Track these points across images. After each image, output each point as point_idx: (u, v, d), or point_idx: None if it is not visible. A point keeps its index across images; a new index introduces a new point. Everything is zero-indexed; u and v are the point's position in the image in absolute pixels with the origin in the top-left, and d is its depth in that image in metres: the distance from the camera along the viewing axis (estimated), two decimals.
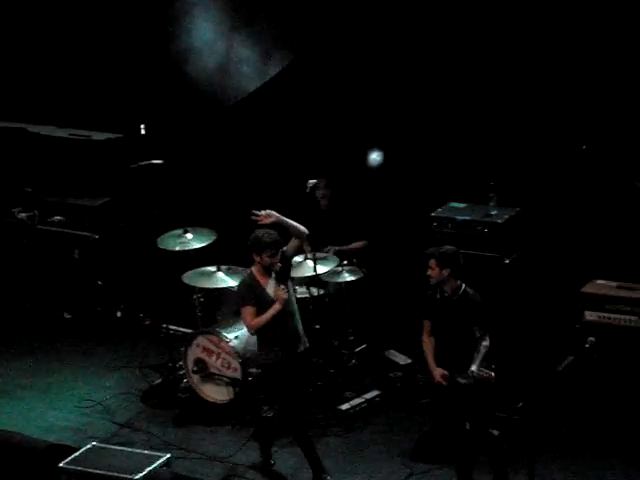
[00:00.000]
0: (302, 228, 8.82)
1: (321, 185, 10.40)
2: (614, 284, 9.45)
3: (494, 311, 9.06)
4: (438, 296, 8.48)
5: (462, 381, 8.21)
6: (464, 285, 8.48)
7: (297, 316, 8.78)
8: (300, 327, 8.79)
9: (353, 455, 9.23)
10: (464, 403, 8.45)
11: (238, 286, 9.05)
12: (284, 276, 8.77)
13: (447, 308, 8.44)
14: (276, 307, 8.61)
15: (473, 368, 8.34)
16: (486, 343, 8.41)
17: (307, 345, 8.85)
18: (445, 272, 8.36)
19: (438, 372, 8.44)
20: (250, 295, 8.72)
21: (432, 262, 8.42)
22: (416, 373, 10.13)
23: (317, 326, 9.98)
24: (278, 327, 8.67)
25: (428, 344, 8.57)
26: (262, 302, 8.66)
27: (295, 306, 8.76)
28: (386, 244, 10.72)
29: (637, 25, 9.44)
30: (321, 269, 9.88)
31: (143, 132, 11.40)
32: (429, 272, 8.43)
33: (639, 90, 9.56)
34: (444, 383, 8.44)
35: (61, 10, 12.02)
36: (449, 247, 8.56)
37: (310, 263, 9.88)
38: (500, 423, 9.23)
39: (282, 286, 8.67)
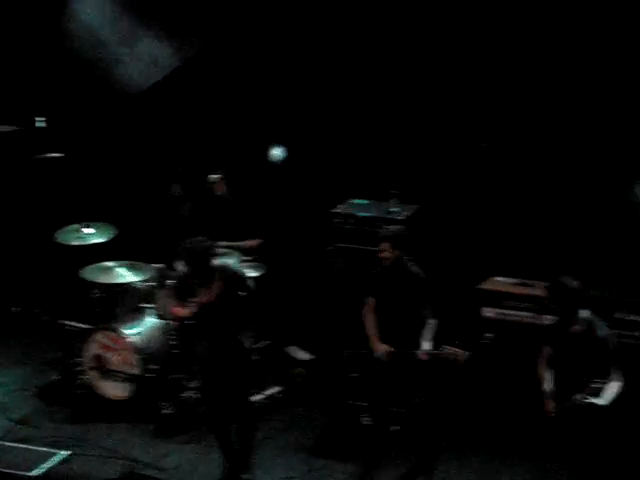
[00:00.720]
0: None
1: (220, 180, 10.35)
2: (511, 281, 9.60)
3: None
4: (385, 275, 8.60)
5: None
6: (411, 264, 8.64)
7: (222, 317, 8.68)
8: (225, 327, 8.67)
9: (254, 451, 9.21)
10: (416, 379, 8.58)
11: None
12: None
13: (396, 287, 8.56)
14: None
15: (427, 346, 8.44)
16: (434, 320, 8.59)
17: (237, 345, 8.71)
18: (398, 252, 8.51)
19: (383, 348, 8.54)
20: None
21: (386, 245, 8.54)
22: (317, 369, 10.20)
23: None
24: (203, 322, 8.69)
25: (371, 320, 8.68)
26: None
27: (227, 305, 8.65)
28: (287, 240, 10.73)
29: (532, 26, 9.61)
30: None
31: (42, 125, 11.23)
32: (383, 254, 8.54)
33: (535, 88, 9.72)
34: (387, 359, 8.54)
35: None
36: (396, 227, 8.69)
37: None
38: (399, 419, 9.32)
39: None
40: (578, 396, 7.69)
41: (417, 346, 8.53)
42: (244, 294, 8.54)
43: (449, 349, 8.33)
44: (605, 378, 7.72)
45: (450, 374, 8.30)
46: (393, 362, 8.59)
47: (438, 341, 8.54)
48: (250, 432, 8.75)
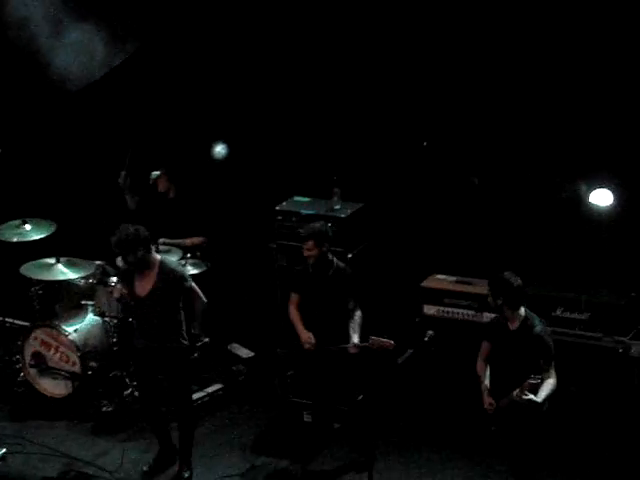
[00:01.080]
0: None
1: (163, 177, 10.29)
2: (453, 279, 9.66)
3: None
4: (311, 270, 8.73)
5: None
6: (336, 259, 8.79)
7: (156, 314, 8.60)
8: (158, 323, 8.62)
9: (195, 448, 9.15)
10: (351, 374, 8.74)
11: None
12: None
13: (321, 283, 8.71)
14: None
15: (355, 340, 8.54)
16: (359, 313, 8.70)
17: (171, 343, 8.62)
18: (323, 249, 8.66)
19: (306, 335, 8.65)
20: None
21: (310, 243, 8.68)
22: (259, 366, 10.19)
23: (155, 320, 9.87)
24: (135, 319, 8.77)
25: (296, 314, 8.82)
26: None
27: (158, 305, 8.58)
28: (229, 237, 10.70)
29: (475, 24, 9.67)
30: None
31: None
32: (308, 253, 8.69)
33: (480, 86, 9.77)
34: (312, 348, 8.64)
35: None
36: (318, 225, 8.80)
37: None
38: (341, 416, 9.34)
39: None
40: (516, 392, 7.75)
41: (346, 340, 8.58)
42: (182, 292, 8.48)
43: (376, 339, 8.39)
44: (541, 375, 7.79)
45: (386, 368, 8.33)
46: (324, 358, 8.63)
47: (365, 334, 8.60)
48: (188, 431, 8.72)
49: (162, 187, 10.35)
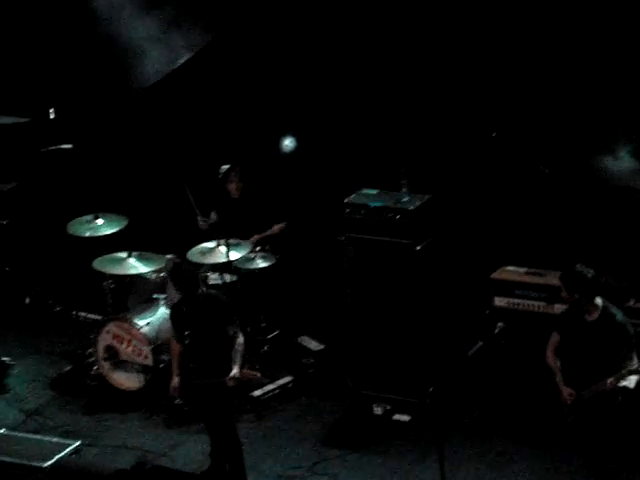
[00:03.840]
0: None
1: (234, 173, 10.34)
2: (523, 270, 9.57)
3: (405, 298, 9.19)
4: (184, 307, 8.53)
5: None
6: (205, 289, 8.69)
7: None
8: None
9: (265, 441, 9.24)
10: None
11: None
12: None
13: (195, 312, 8.48)
14: None
15: (235, 371, 8.31)
16: (240, 340, 8.43)
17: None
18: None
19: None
20: None
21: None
22: (328, 359, 10.22)
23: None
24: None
25: (174, 349, 8.71)
26: None
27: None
28: (299, 230, 10.73)
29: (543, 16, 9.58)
30: (234, 255, 9.86)
31: (52, 116, 11.23)
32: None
33: (546, 78, 9.68)
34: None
35: None
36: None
37: (223, 249, 9.85)
38: (411, 408, 9.34)
39: None
40: (610, 380, 7.69)
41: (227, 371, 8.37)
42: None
43: (247, 372, 8.39)
44: (627, 364, 7.72)
45: (457, 360, 8.25)
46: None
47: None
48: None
49: (232, 184, 10.37)
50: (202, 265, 10.08)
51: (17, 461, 8.34)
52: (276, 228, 10.40)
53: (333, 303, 10.21)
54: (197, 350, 8.49)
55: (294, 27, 10.56)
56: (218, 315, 8.45)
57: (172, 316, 8.68)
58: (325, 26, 10.44)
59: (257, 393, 9.80)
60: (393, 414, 9.47)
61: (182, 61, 11.04)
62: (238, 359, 8.36)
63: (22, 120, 11.64)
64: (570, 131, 9.70)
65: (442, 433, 8.11)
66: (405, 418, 9.43)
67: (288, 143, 10.84)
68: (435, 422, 8.54)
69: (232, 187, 10.39)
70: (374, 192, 9.81)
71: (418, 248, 9.39)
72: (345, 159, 10.61)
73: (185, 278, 8.49)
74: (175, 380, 8.60)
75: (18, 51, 11.65)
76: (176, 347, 8.65)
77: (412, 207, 9.51)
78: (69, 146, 10.42)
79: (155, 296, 10.16)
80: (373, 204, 9.58)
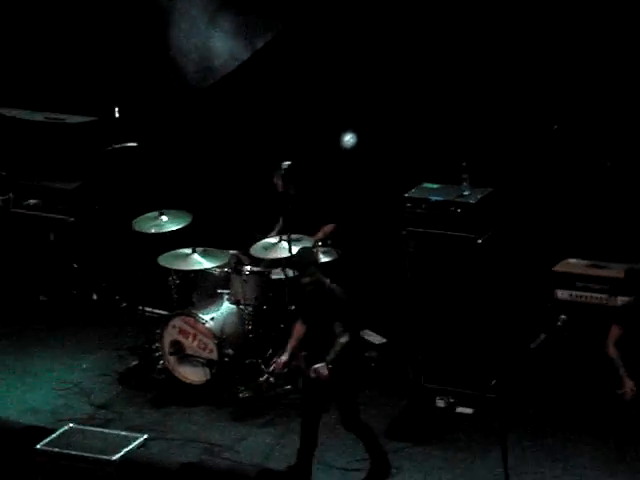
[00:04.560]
0: None
1: (290, 171, 10.37)
2: (585, 263, 9.53)
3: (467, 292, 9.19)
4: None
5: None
6: (328, 281, 8.64)
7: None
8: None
9: (328, 434, 9.28)
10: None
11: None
12: None
13: (311, 302, 8.58)
14: None
15: (320, 364, 8.36)
16: (342, 340, 8.41)
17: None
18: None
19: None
20: None
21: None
22: (392, 352, 10.25)
23: (293, 307, 10.05)
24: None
25: (297, 330, 8.76)
26: None
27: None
28: (360, 225, 10.77)
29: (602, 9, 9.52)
30: (296, 250, 9.92)
31: (117, 115, 11.39)
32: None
33: (608, 71, 9.62)
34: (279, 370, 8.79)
35: None
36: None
37: (285, 244, 9.93)
38: (474, 401, 9.35)
39: None
40: None
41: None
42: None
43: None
44: None
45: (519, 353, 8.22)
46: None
47: None
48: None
49: (279, 187, 10.40)
50: (264, 260, 10.18)
51: (85, 454, 8.45)
52: (326, 229, 10.40)
53: (395, 297, 10.24)
54: (307, 338, 8.62)
55: (354, 22, 10.60)
56: (331, 308, 8.52)
57: (299, 298, 8.77)
58: (385, 21, 10.46)
59: None
60: (456, 407, 9.49)
61: (243, 59, 11.13)
62: (332, 354, 8.38)
63: (88, 119, 11.83)
64: (633, 124, 9.64)
65: (505, 426, 8.12)
66: (468, 411, 9.45)
67: (349, 138, 10.89)
68: (498, 415, 8.55)
69: (280, 189, 10.43)
70: (435, 186, 9.82)
71: (480, 241, 9.39)
72: (407, 153, 10.63)
73: (306, 264, 8.58)
74: (284, 357, 8.68)
75: (84, 51, 11.83)
76: (300, 329, 8.72)
77: (473, 200, 9.51)
78: (134, 144, 10.55)
79: (219, 291, 10.27)
80: (434, 198, 9.60)
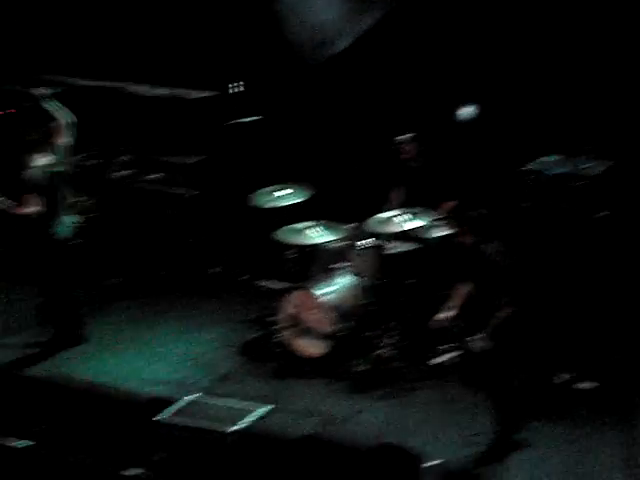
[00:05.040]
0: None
1: (410, 142, 10.37)
2: None
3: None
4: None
5: None
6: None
7: None
8: None
9: (448, 408, 9.29)
10: None
11: None
12: None
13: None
14: None
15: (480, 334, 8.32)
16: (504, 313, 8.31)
17: None
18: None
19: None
20: None
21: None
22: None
23: (412, 281, 10.04)
24: None
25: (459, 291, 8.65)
26: None
27: None
28: (479, 199, 10.67)
29: None
30: (414, 224, 9.91)
31: (240, 89, 11.49)
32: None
33: None
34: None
35: None
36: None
37: (403, 218, 9.92)
38: (595, 375, 9.21)
39: None
40: None
41: None
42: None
43: None
44: None
45: None
46: None
47: None
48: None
49: (409, 154, 10.42)
50: (383, 234, 10.19)
51: (207, 425, 8.58)
52: (446, 206, 10.35)
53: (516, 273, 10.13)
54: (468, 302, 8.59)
55: None
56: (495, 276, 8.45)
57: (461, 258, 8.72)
58: None
59: (439, 360, 9.86)
60: (577, 382, 9.38)
61: (362, 32, 11.11)
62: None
63: (212, 94, 11.96)
64: None
65: (627, 401, 7.98)
66: (589, 386, 9.33)
67: (467, 111, 10.80)
68: (620, 390, 8.41)
69: (409, 156, 10.42)
70: (555, 158, 9.69)
71: (601, 214, 9.24)
72: (526, 126, 10.50)
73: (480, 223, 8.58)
74: (445, 314, 8.70)
75: (207, 26, 11.95)
76: (462, 290, 8.72)
77: (595, 173, 9.36)
78: (255, 119, 10.62)
79: (337, 265, 10.32)
80: (555, 171, 9.48)
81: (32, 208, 10.01)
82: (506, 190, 10.15)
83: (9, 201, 10.04)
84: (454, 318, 8.67)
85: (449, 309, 8.64)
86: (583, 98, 10.12)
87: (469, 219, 8.51)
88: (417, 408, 9.31)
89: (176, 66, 12.25)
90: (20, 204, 10.06)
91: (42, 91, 10.50)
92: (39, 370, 10.16)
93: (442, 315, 8.59)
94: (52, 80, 12.57)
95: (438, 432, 8.99)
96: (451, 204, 10.32)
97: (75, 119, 10.15)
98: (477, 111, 10.73)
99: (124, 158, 11.71)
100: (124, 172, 11.46)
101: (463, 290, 8.64)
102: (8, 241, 11.45)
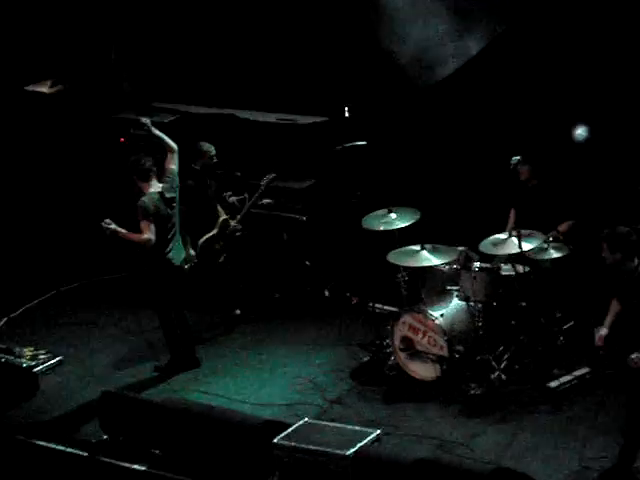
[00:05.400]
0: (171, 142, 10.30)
1: (524, 166, 10.29)
2: None
3: None
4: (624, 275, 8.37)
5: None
6: None
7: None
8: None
9: (563, 433, 9.17)
10: None
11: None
12: None
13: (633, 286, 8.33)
14: None
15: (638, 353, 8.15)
16: None
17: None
18: (617, 256, 8.33)
19: (602, 332, 8.42)
20: None
21: (604, 245, 8.42)
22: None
23: (523, 303, 9.96)
24: None
25: (613, 306, 8.60)
26: None
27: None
28: (593, 220, 10.55)
29: None
30: (526, 246, 9.83)
31: (347, 114, 11.57)
32: (603, 254, 8.43)
33: None
34: (600, 344, 8.47)
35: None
36: (621, 228, 8.44)
37: (515, 240, 9.85)
38: None
39: None
40: None
41: None
42: None
43: None
44: None
45: None
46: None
47: None
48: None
49: (524, 176, 10.36)
50: (495, 256, 10.14)
51: (320, 449, 8.62)
52: (563, 227, 10.27)
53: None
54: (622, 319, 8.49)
55: (585, 17, 10.38)
56: None
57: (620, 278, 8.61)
58: (615, 13, 10.21)
59: (554, 384, 9.76)
60: None
61: (472, 54, 11.08)
62: None
63: (320, 119, 12.06)
64: None
65: None
66: None
67: (581, 131, 10.69)
68: None
69: (524, 178, 10.36)
70: None
71: None
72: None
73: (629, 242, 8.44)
74: (603, 330, 8.57)
75: (314, 52, 12.05)
76: (616, 305, 8.62)
77: None
78: (363, 143, 10.68)
79: (448, 287, 10.28)
80: None
81: (147, 234, 10.19)
82: (622, 209, 9.99)
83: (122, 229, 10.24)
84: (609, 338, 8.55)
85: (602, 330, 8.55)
86: None
87: (602, 236, 8.38)
88: (531, 432, 9.22)
89: (286, 92, 12.37)
90: (137, 231, 10.25)
91: (152, 118, 10.73)
92: (155, 393, 10.34)
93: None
94: (165, 108, 12.85)
95: (551, 457, 8.89)
96: (567, 225, 10.26)
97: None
98: (591, 130, 10.60)
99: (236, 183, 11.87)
100: (237, 197, 11.59)
101: (614, 309, 8.55)
102: (130, 267, 11.69)
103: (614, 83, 10.45)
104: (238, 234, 11.40)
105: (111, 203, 12.11)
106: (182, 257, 10.54)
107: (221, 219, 11.31)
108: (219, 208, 11.38)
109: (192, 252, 10.73)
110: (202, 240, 11.16)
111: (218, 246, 11.28)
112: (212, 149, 11.22)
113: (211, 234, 11.24)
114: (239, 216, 11.34)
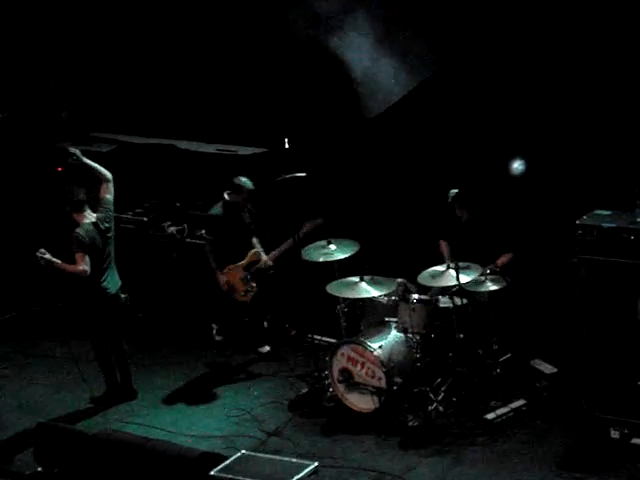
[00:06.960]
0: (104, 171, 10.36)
1: (461, 196, 10.37)
2: None
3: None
4: None
5: None
6: None
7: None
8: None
9: (499, 465, 9.20)
10: None
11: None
12: None
13: None
14: None
15: None
16: None
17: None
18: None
19: None
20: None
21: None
22: (563, 382, 10.08)
23: (461, 335, 10.00)
24: None
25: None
26: None
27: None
28: (530, 253, 10.65)
29: None
30: (464, 279, 9.89)
31: (287, 146, 11.59)
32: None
33: None
34: None
35: (203, 29, 12.34)
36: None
37: (452, 273, 9.90)
38: None
39: None
40: None
41: None
42: None
43: None
44: None
45: None
46: None
47: None
48: None
49: (459, 211, 10.43)
50: (431, 288, 10.19)
51: None
52: (502, 260, 10.33)
53: (566, 325, 10.08)
54: None
55: (516, 53, 10.53)
56: None
57: None
58: (551, 50, 10.36)
59: (490, 416, 9.80)
60: (631, 438, 9.26)
61: (410, 89, 11.17)
62: None
63: (260, 150, 12.07)
64: None
65: None
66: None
67: (517, 165, 10.81)
68: None
69: (459, 211, 10.44)
70: (607, 213, 9.63)
71: None
72: (577, 180, 10.47)
73: None
74: None
75: (253, 83, 12.08)
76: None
77: None
78: (303, 174, 10.71)
79: (387, 319, 10.31)
80: (607, 225, 9.41)
81: (82, 266, 10.12)
82: (557, 243, 10.09)
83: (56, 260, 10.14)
84: None
85: None
86: (635, 151, 10.08)
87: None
88: (469, 465, 9.23)
89: (226, 123, 12.38)
90: (71, 261, 10.17)
91: (90, 148, 10.69)
92: (91, 424, 10.22)
93: None
94: (104, 137, 12.79)
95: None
96: (506, 257, 10.33)
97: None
98: (528, 164, 10.73)
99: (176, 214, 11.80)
100: (176, 228, 11.54)
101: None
102: (66, 297, 11.57)
103: (550, 117, 10.58)
104: (271, 272, 11.35)
105: (47, 232, 11.99)
106: (118, 286, 10.48)
107: (252, 252, 11.23)
108: (254, 240, 11.31)
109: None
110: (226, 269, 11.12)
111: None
112: (249, 184, 11.14)
113: (239, 264, 11.16)
114: (275, 252, 11.25)
